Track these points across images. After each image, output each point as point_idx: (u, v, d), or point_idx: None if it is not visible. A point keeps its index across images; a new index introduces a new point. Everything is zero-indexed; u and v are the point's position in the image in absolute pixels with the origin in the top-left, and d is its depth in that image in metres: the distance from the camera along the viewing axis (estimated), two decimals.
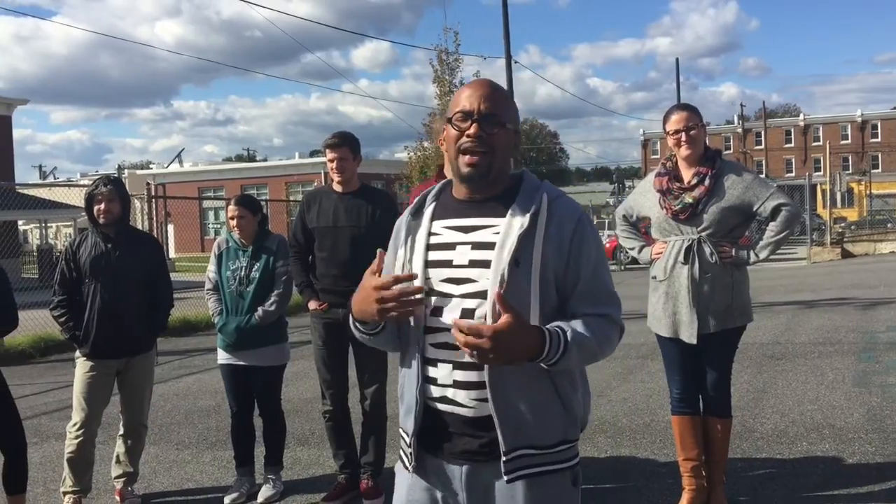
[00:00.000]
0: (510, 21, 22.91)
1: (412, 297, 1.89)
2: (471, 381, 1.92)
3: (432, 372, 1.97)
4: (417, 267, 2.00)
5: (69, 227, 38.90)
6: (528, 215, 1.94)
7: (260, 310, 4.66)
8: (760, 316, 10.32)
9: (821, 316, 10.88)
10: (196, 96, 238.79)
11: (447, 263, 1.98)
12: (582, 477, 2.06)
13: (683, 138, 3.97)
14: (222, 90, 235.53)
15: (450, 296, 1.96)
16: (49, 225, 36.29)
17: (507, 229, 1.94)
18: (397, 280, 1.89)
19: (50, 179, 56.98)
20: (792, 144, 75.02)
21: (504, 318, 1.79)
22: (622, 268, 23.66)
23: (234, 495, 4.69)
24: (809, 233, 25.53)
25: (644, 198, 4.23)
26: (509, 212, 1.96)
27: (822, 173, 42.58)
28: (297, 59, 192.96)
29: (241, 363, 4.73)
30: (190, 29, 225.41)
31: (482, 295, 1.91)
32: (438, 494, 2.02)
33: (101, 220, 4.58)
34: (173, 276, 5.29)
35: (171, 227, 29.43)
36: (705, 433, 4.09)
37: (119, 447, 4.77)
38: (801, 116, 76.63)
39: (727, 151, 65.54)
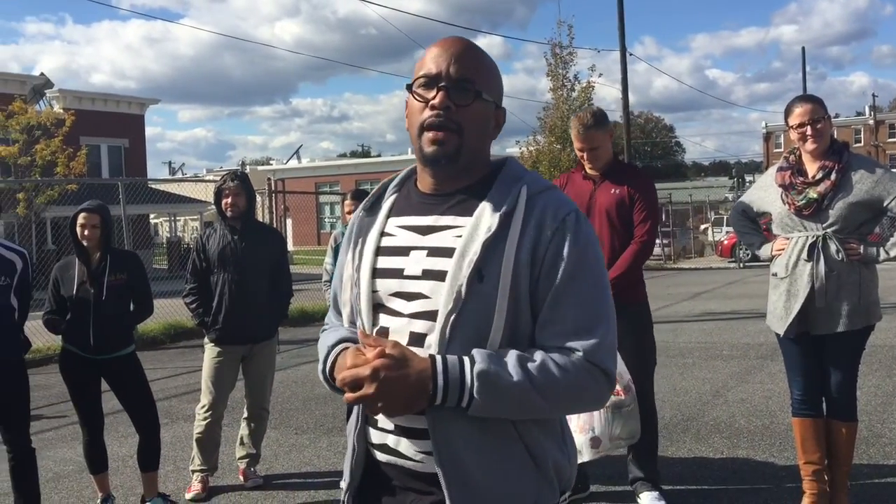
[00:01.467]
0: (625, 12, 22.54)
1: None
2: (416, 427, 1.50)
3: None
4: (365, 276, 1.59)
5: (196, 220, 40.86)
6: (498, 215, 1.50)
7: None
8: (891, 316, 9.79)
9: None
10: (313, 94, 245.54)
11: (397, 273, 1.56)
12: None
13: (809, 132, 3.82)
14: (338, 87, 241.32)
15: (398, 314, 1.54)
16: (177, 218, 38.14)
17: (471, 232, 1.50)
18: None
19: (178, 175, 59.92)
20: None
21: (382, 350, 1.42)
22: (741, 265, 22.88)
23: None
24: None
25: (765, 192, 4.10)
26: (477, 210, 1.52)
27: None
28: (410, 55, 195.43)
29: None
30: (308, 28, 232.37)
31: (433, 316, 1.49)
32: None
33: (228, 214, 4.82)
34: (292, 269, 5.51)
35: (289, 221, 30.42)
36: (828, 437, 3.93)
37: (243, 430, 5.01)
38: None
39: (857, 144, 62.27)
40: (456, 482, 1.46)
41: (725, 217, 31.20)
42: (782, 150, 67.83)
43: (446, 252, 1.51)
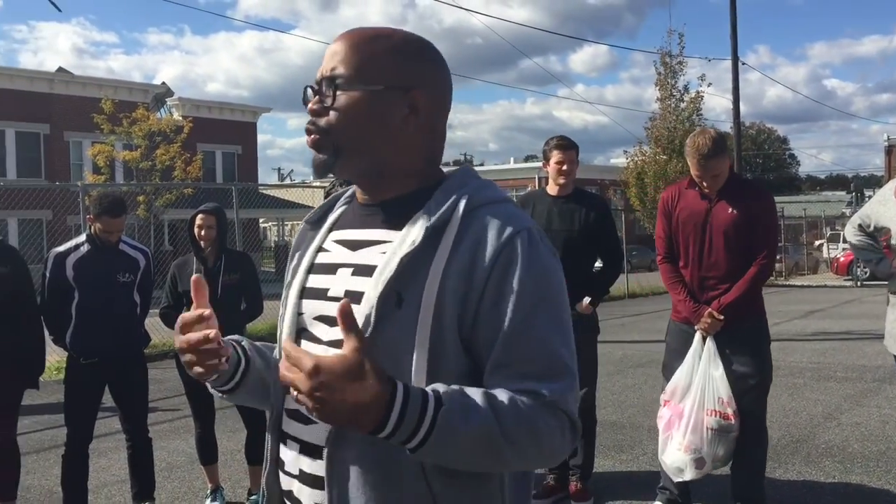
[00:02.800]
0: (738, 19, 21.91)
1: (205, 348, 1.32)
2: (317, 474, 1.29)
3: (283, 452, 1.38)
4: (292, 298, 1.40)
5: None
6: (426, 228, 1.26)
7: None
8: None
9: None
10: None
11: (322, 294, 1.36)
12: None
13: None
14: None
15: (319, 341, 1.34)
16: (285, 223, 39.33)
17: (395, 248, 1.28)
18: (200, 319, 1.33)
19: (286, 181, 61.84)
20: None
21: (341, 352, 1.10)
22: (858, 284, 21.82)
23: None
24: None
25: (884, 207, 3.94)
26: (408, 223, 1.30)
27: None
28: (515, 64, 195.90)
29: None
30: None
31: None
32: None
33: None
34: None
35: None
36: None
37: None
38: None
39: None
40: None
41: (842, 233, 29.88)
42: None
43: (369, 270, 1.30)
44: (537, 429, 1.18)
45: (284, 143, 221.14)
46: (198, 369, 1.35)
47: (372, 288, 1.26)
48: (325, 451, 1.27)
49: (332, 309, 1.30)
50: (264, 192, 32.53)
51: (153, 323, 5.01)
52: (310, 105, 1.33)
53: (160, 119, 27.55)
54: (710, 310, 3.90)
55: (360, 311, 1.25)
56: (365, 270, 1.31)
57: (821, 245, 30.35)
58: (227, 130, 33.30)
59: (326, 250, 1.42)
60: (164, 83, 33.74)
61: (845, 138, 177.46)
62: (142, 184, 24.08)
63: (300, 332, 1.38)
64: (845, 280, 23.18)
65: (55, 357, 6.03)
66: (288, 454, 1.35)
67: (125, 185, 23.29)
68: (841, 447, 5.52)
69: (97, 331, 4.31)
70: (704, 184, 4.00)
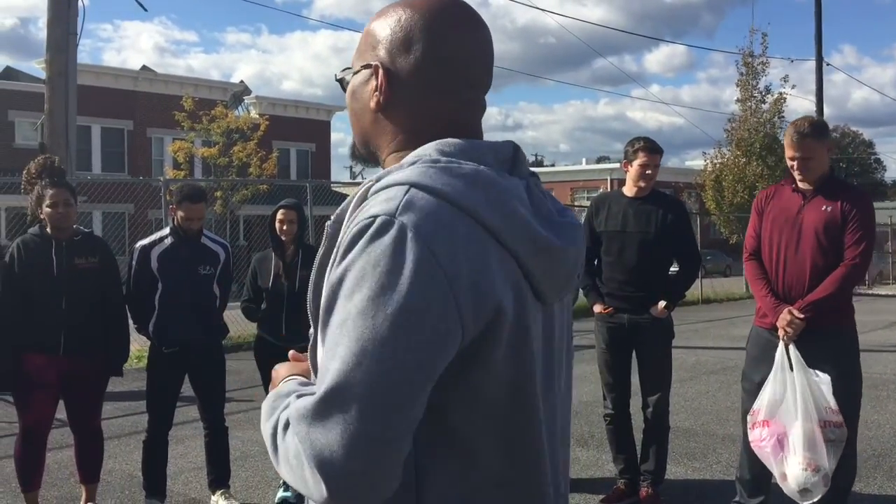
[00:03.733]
0: (823, 18, 21.26)
1: None
2: None
3: None
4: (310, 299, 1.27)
5: None
6: (326, 228, 1.18)
7: None
8: None
9: None
10: (489, 103, 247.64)
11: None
12: None
13: None
14: (513, 96, 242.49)
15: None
16: None
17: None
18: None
19: (358, 179, 62.64)
20: None
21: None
22: None
23: None
24: None
25: None
26: (332, 220, 1.20)
27: None
28: (588, 64, 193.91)
29: None
30: None
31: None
32: None
33: None
34: None
35: None
36: None
37: None
38: None
39: None
40: None
41: None
42: None
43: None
44: (284, 451, 1.05)
45: None
46: None
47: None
48: None
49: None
50: (336, 189, 33.01)
51: (230, 315, 5.13)
52: None
53: (238, 117, 28.23)
54: (790, 308, 3.78)
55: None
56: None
57: None
58: (301, 128, 33.88)
59: None
60: (242, 82, 34.56)
61: None
62: (219, 179, 24.70)
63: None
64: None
65: (136, 346, 6.22)
66: None
67: (203, 181, 23.92)
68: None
69: (179, 321, 4.44)
70: (796, 171, 3.87)
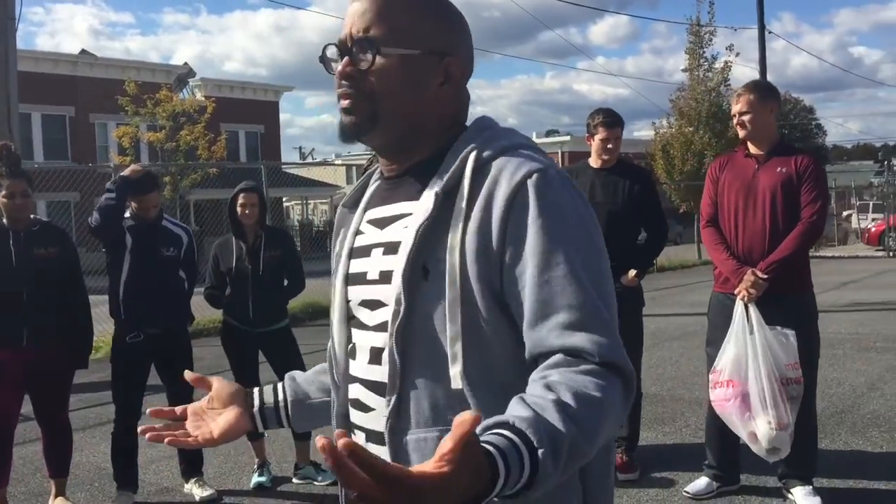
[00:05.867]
0: None
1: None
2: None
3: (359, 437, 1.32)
4: (338, 284, 1.36)
5: (325, 203, 42.15)
6: (433, 193, 1.21)
7: None
8: None
9: None
10: None
11: (362, 278, 1.32)
12: None
13: None
14: None
15: (364, 327, 1.31)
16: (308, 202, 39.45)
17: (413, 221, 1.23)
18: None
19: (308, 160, 61.99)
20: None
21: (439, 464, 0.88)
22: (891, 254, 21.54)
23: None
24: None
25: None
26: (425, 191, 1.24)
27: None
28: (533, 37, 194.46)
29: None
30: None
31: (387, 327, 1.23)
32: None
33: None
34: None
35: None
36: None
37: None
38: None
39: None
40: None
41: (872, 203, 29.48)
42: None
43: (396, 247, 1.25)
44: (598, 401, 1.06)
45: (304, 121, 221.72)
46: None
47: (398, 265, 1.22)
48: (386, 439, 1.23)
49: (372, 293, 1.29)
50: (287, 171, 32.65)
51: (194, 301, 5.04)
52: (342, 67, 1.26)
53: (183, 100, 27.63)
54: (753, 269, 3.85)
55: (391, 291, 1.22)
56: (393, 248, 1.26)
57: (850, 215, 29.98)
58: (249, 110, 33.36)
59: (362, 232, 1.36)
60: (186, 63, 33.82)
61: (872, 106, 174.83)
62: (167, 164, 24.21)
63: (350, 320, 1.35)
64: (877, 250, 22.89)
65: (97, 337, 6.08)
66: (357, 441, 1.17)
67: (152, 166, 23.42)
68: (886, 417, 5.47)
69: (144, 304, 4.35)
70: (739, 128, 4.02)
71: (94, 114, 29.03)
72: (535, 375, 1.11)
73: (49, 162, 27.17)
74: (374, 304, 1.28)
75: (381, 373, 1.25)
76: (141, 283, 4.37)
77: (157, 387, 4.79)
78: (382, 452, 1.22)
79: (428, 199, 1.21)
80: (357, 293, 1.33)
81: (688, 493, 4.17)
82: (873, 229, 24.13)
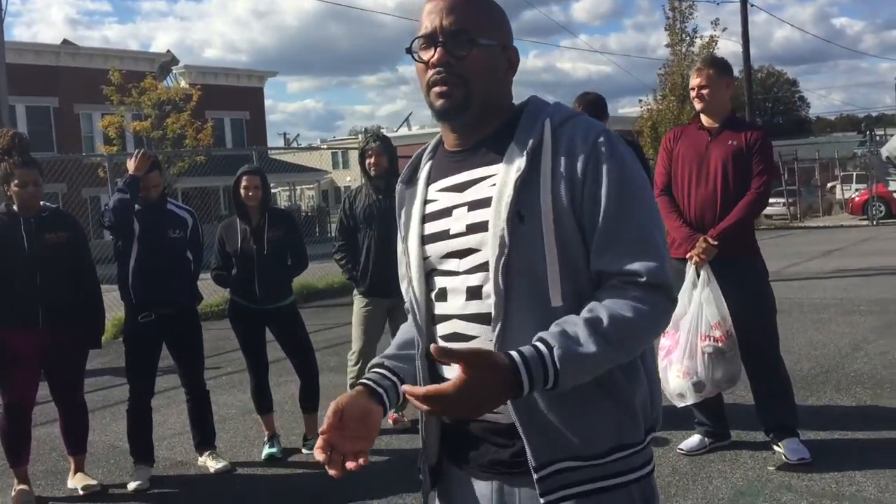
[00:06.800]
0: None
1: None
2: None
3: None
4: (413, 245, 1.60)
5: (312, 189, 42.16)
6: (525, 153, 1.47)
7: None
8: None
9: None
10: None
11: (444, 235, 1.56)
12: (657, 494, 1.58)
13: None
14: None
15: (454, 273, 1.55)
16: (295, 187, 39.41)
17: (504, 177, 1.48)
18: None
19: (294, 145, 61.82)
20: None
21: (456, 379, 1.31)
22: (875, 222, 21.85)
23: None
24: None
25: None
26: (506, 154, 1.50)
27: None
28: (516, 16, 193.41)
29: None
30: None
31: (487, 266, 1.48)
32: None
33: (372, 173, 5.10)
34: None
35: None
36: None
37: None
38: None
39: None
40: (533, 430, 1.46)
41: (855, 174, 29.75)
42: None
43: (485, 203, 1.50)
44: (640, 322, 1.40)
45: (286, 107, 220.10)
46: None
47: (496, 214, 1.47)
48: None
49: (457, 244, 1.54)
50: (274, 157, 32.63)
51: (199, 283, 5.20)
52: (437, 56, 1.51)
53: (168, 88, 27.56)
54: (704, 236, 4.09)
55: (492, 234, 1.47)
56: (481, 204, 1.51)
57: (834, 186, 30.27)
58: (234, 97, 33.29)
59: (433, 200, 1.61)
60: (168, 51, 33.66)
61: (855, 78, 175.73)
62: (154, 153, 24.17)
63: (430, 273, 1.59)
64: (861, 219, 23.19)
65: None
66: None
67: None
68: (870, 375, 5.70)
69: (154, 285, 4.50)
70: (697, 101, 4.26)
71: (79, 104, 28.91)
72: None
73: (34, 154, 27.05)
74: (462, 253, 1.54)
75: (479, 306, 1.51)
76: (150, 266, 4.51)
77: (162, 367, 4.95)
78: None
79: (517, 159, 1.48)
80: (439, 248, 1.57)
81: (682, 450, 4.38)
82: (857, 199, 24.41)
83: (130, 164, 4.51)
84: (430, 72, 1.52)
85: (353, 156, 51.44)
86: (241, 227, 4.83)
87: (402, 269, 1.66)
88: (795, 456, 4.11)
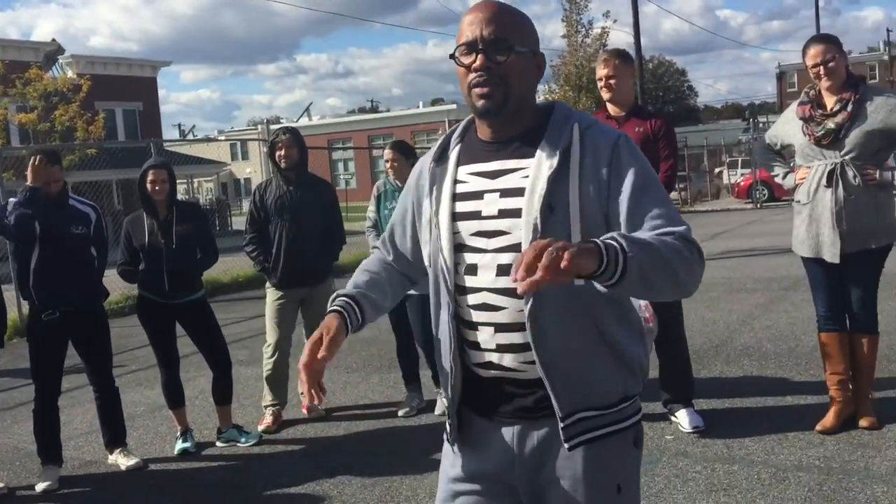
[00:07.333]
0: None
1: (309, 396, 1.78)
2: (516, 343, 1.74)
3: (473, 336, 1.79)
4: (444, 220, 1.81)
5: (210, 181, 41.20)
6: (557, 152, 1.70)
7: None
8: None
9: None
10: (317, 49, 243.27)
11: (476, 215, 1.77)
12: (643, 435, 1.89)
13: (822, 71, 4.10)
14: (341, 42, 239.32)
15: (483, 251, 1.76)
16: (193, 180, 38.42)
17: (536, 171, 1.71)
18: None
19: (190, 137, 60.20)
20: None
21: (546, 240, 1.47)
22: (759, 206, 23.04)
23: (406, 409, 5.23)
24: None
25: (788, 126, 4.38)
26: (538, 151, 1.73)
27: None
28: (414, 5, 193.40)
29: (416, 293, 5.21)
30: None
31: (517, 248, 1.70)
32: (488, 459, 1.84)
33: (283, 165, 5.13)
34: None
35: None
36: (852, 350, 4.26)
37: None
38: None
39: (871, 81, 61.51)
40: (558, 382, 1.71)
41: (740, 159, 31.19)
42: (796, 89, 67.00)
43: (517, 192, 1.72)
44: (678, 249, 1.58)
45: (179, 97, 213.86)
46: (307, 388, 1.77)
47: (529, 204, 1.70)
48: (527, 324, 1.69)
49: (488, 225, 1.76)
50: (170, 148, 31.70)
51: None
52: (480, 62, 1.72)
53: (55, 78, 26.38)
54: None
55: (526, 221, 1.70)
56: (513, 192, 1.74)
57: (721, 172, 31.65)
58: (126, 87, 32.11)
59: (463, 181, 1.82)
60: (53, 40, 32.15)
61: (739, 67, 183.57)
62: (41, 146, 23.17)
63: (458, 247, 1.80)
64: (746, 203, 24.39)
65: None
66: (482, 335, 1.77)
67: (24, 149, 22.39)
68: (756, 348, 6.11)
69: (57, 283, 4.42)
70: (605, 91, 4.50)
71: None
72: None
73: None
74: (491, 234, 1.75)
75: (508, 282, 1.65)
76: (53, 264, 4.43)
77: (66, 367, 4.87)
78: (514, 338, 1.73)
79: (548, 155, 1.71)
80: (469, 226, 1.78)
81: None
82: (742, 183, 25.63)
83: (28, 176, 4.39)
84: (472, 75, 1.73)
85: (253, 147, 50.18)
86: (147, 222, 4.78)
87: (424, 236, 1.89)
88: (690, 425, 4.40)
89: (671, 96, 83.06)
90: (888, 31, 66.23)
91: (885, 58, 68.90)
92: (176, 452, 4.89)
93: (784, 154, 4.59)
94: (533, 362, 1.72)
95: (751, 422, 4.49)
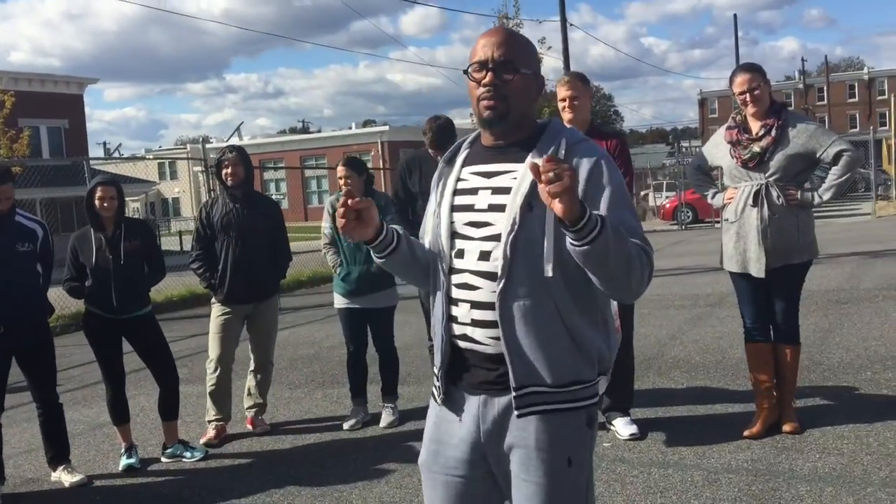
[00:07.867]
0: None
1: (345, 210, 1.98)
2: (486, 319, 1.98)
3: (454, 311, 2.05)
4: (445, 211, 2.08)
5: (137, 201, 40.37)
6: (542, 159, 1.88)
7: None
8: (826, 265, 10.59)
9: (885, 265, 11.10)
10: (247, 68, 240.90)
11: (469, 208, 2.04)
12: (598, 418, 2.09)
13: (748, 98, 4.41)
14: (271, 62, 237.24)
15: (470, 238, 2.02)
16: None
17: (523, 174, 1.95)
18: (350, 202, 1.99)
19: (116, 155, 58.83)
20: (856, 99, 73.21)
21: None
22: (683, 227, 23.82)
23: (352, 422, 5.32)
24: (874, 188, 25.27)
25: (717, 149, 4.68)
26: (528, 157, 1.96)
27: (887, 128, 41.57)
28: (345, 26, 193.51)
29: (358, 307, 5.33)
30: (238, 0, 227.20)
31: (497, 238, 1.96)
32: (461, 425, 2.08)
33: (229, 182, 5.20)
34: None
35: None
36: (776, 359, 4.55)
37: (250, 382, 5.43)
38: (866, 70, 74.47)
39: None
40: (516, 357, 1.95)
41: (665, 182, 32.16)
42: (717, 115, 68.97)
43: (506, 190, 1.99)
44: (638, 251, 1.85)
45: (104, 115, 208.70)
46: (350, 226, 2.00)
47: (513, 201, 1.95)
48: (496, 304, 1.94)
49: (478, 217, 2.02)
50: (97, 167, 30.98)
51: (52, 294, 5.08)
52: (488, 79, 2.00)
53: None
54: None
55: (507, 216, 1.95)
56: (502, 191, 2.00)
57: (647, 194, 32.58)
58: (51, 104, 31.34)
59: (464, 179, 2.10)
60: None
61: (663, 93, 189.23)
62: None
63: (453, 235, 2.06)
64: (671, 224, 25.18)
65: None
66: (460, 310, 2.03)
67: None
68: (685, 360, 6.41)
69: (2, 298, 4.39)
70: (567, 111, 4.71)
71: None
72: None
73: None
74: (479, 225, 2.01)
75: (487, 266, 1.98)
76: None
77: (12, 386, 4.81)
78: (486, 315, 1.98)
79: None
80: (463, 217, 2.05)
81: None
82: (668, 205, 26.47)
83: None
84: (481, 90, 2.00)
85: (182, 166, 49.21)
86: (95, 238, 4.79)
87: (428, 225, 2.17)
88: (627, 432, 4.62)
89: (598, 121, 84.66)
90: (803, 60, 69.11)
91: (801, 86, 71.95)
92: (121, 468, 4.87)
93: (713, 175, 4.89)
94: (499, 338, 1.96)
95: (683, 429, 4.73)
